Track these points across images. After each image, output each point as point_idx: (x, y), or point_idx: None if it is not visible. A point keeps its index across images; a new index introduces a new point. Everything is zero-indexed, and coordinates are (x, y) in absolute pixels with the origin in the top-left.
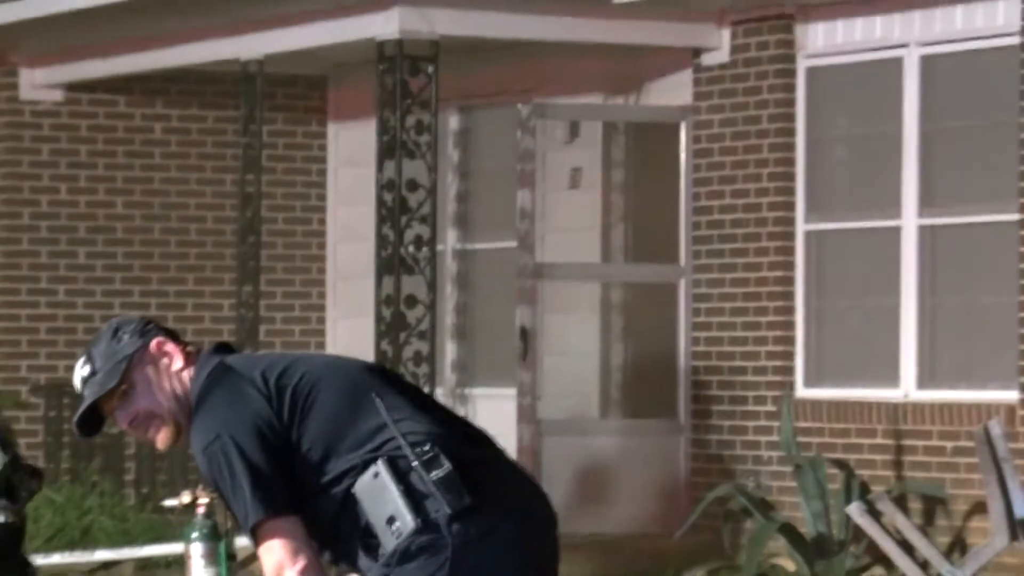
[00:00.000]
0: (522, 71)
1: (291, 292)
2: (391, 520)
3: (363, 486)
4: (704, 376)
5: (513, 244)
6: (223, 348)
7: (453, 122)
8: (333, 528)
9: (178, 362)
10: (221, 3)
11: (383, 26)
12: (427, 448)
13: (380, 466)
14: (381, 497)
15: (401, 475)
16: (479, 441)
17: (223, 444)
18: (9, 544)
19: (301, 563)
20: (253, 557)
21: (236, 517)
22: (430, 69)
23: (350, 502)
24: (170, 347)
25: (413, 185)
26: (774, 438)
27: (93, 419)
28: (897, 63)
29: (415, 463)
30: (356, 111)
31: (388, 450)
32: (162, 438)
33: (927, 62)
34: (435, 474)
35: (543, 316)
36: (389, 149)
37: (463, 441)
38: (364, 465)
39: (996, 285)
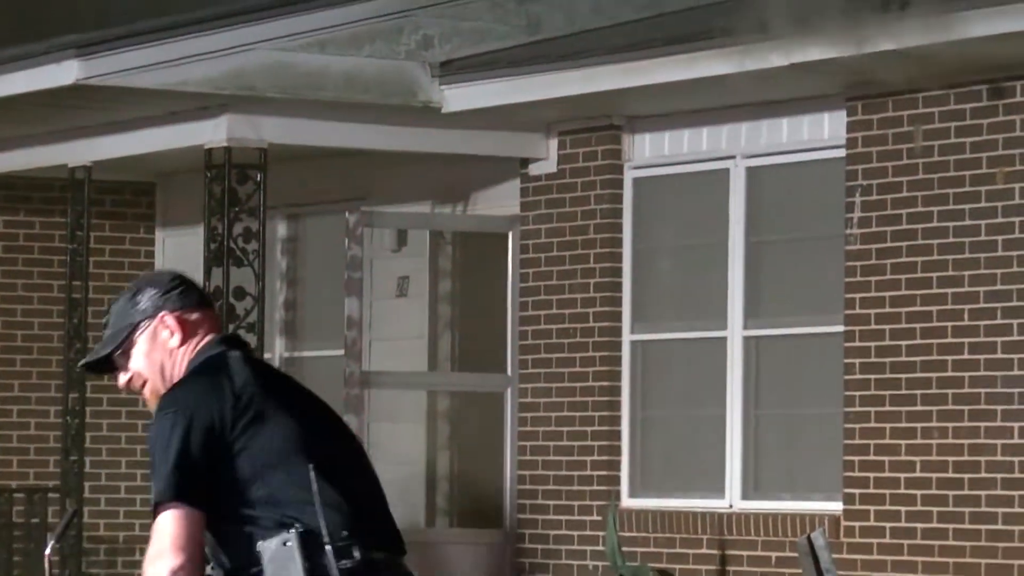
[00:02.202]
0: (350, 179)
1: (117, 399)
2: None
3: (270, 549)
4: (530, 485)
5: (340, 352)
6: (231, 340)
7: (281, 229)
8: (223, 553)
9: (175, 340)
10: (48, 109)
11: (212, 133)
12: (343, 536)
13: (293, 537)
14: (284, 566)
15: (309, 553)
16: (391, 544)
17: (175, 419)
18: None
19: (180, 559)
20: None
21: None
22: (258, 177)
23: (249, 543)
24: (173, 323)
25: (240, 293)
26: (600, 547)
27: (104, 364)
28: (724, 174)
29: (328, 547)
30: (184, 218)
31: (306, 523)
32: (150, 402)
33: (753, 174)
34: (343, 563)
35: (370, 425)
36: (216, 256)
37: (378, 539)
38: (277, 526)
39: (820, 396)
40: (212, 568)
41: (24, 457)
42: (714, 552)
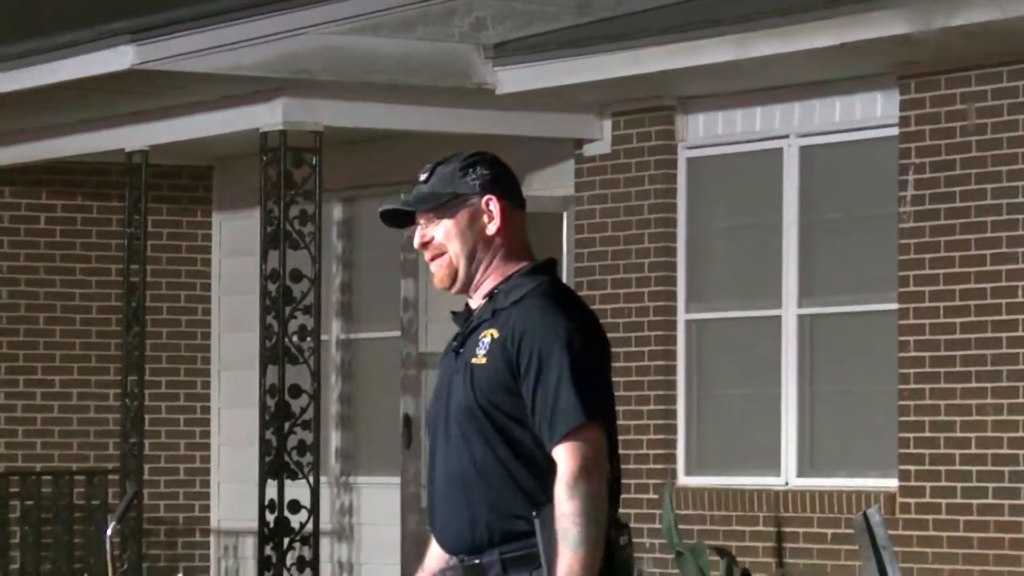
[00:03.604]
0: (405, 161)
1: (175, 382)
2: None
3: None
4: None
5: (396, 333)
6: (548, 264)
7: (337, 212)
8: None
9: (493, 227)
10: (104, 95)
11: (267, 117)
12: None
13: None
14: None
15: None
16: None
17: (586, 338)
18: None
19: (603, 476)
20: None
21: (537, 405)
22: (313, 160)
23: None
24: (498, 210)
25: (297, 275)
26: (656, 525)
27: (401, 216)
28: (777, 154)
29: None
30: (240, 201)
31: None
32: (437, 275)
33: (806, 153)
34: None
35: (426, 405)
36: (273, 239)
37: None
38: None
39: (875, 374)
40: None
41: (84, 440)
42: (770, 529)
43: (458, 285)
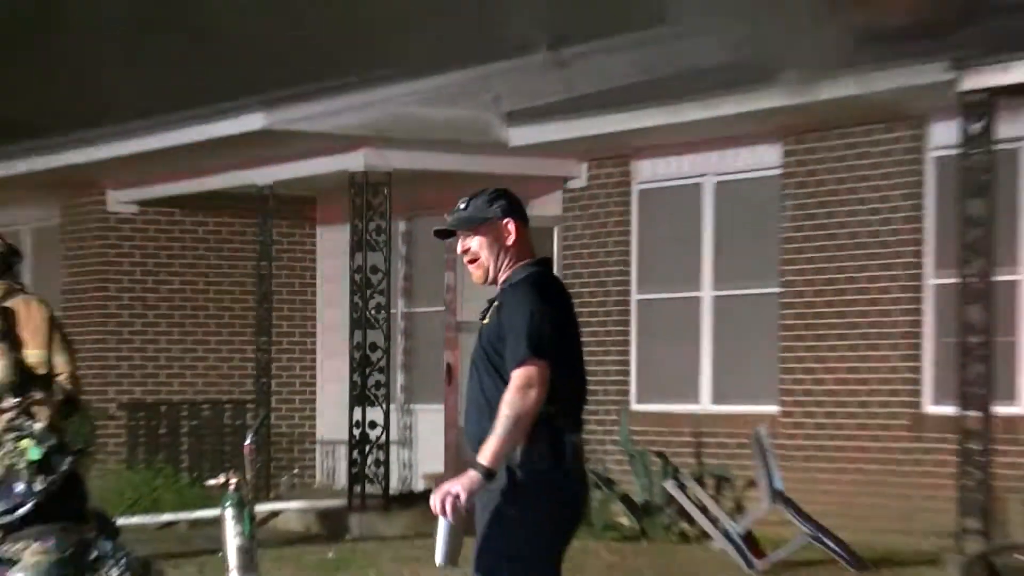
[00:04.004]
0: (446, 192)
1: (292, 341)
2: None
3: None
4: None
5: (441, 308)
6: (544, 261)
7: (401, 226)
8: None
9: (510, 240)
10: (242, 147)
11: (353, 163)
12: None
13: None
14: None
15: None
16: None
17: (544, 309)
18: (53, 503)
19: (538, 386)
20: (268, 519)
21: (508, 350)
22: (385, 191)
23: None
24: (513, 228)
25: (374, 269)
26: (615, 437)
27: (445, 232)
28: (698, 187)
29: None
30: (336, 219)
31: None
32: (475, 275)
33: (719, 187)
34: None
35: (462, 356)
36: (358, 245)
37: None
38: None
39: (763, 335)
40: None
41: (231, 381)
42: (693, 440)
43: (489, 280)
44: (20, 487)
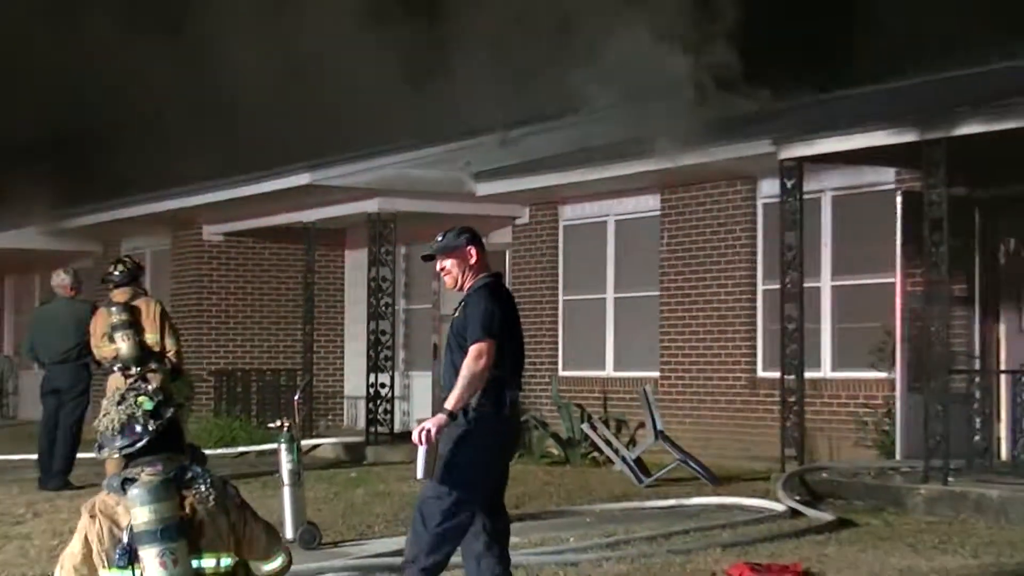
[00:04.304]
0: (434, 227)
1: (327, 328)
2: None
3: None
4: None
5: (430, 306)
6: (495, 275)
7: (403, 250)
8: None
9: (472, 260)
10: (293, 197)
11: (370, 207)
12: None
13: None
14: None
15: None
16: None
17: (494, 307)
18: (161, 440)
19: (488, 358)
20: (309, 450)
21: (468, 334)
22: (392, 226)
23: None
24: (474, 253)
25: (384, 279)
26: (548, 394)
27: (430, 256)
28: (604, 224)
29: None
30: (358, 245)
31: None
32: (448, 284)
33: (618, 224)
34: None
35: (443, 339)
36: (373, 263)
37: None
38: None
39: (648, 324)
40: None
41: (285, 355)
42: (600, 395)
43: (457, 287)
44: (138, 428)
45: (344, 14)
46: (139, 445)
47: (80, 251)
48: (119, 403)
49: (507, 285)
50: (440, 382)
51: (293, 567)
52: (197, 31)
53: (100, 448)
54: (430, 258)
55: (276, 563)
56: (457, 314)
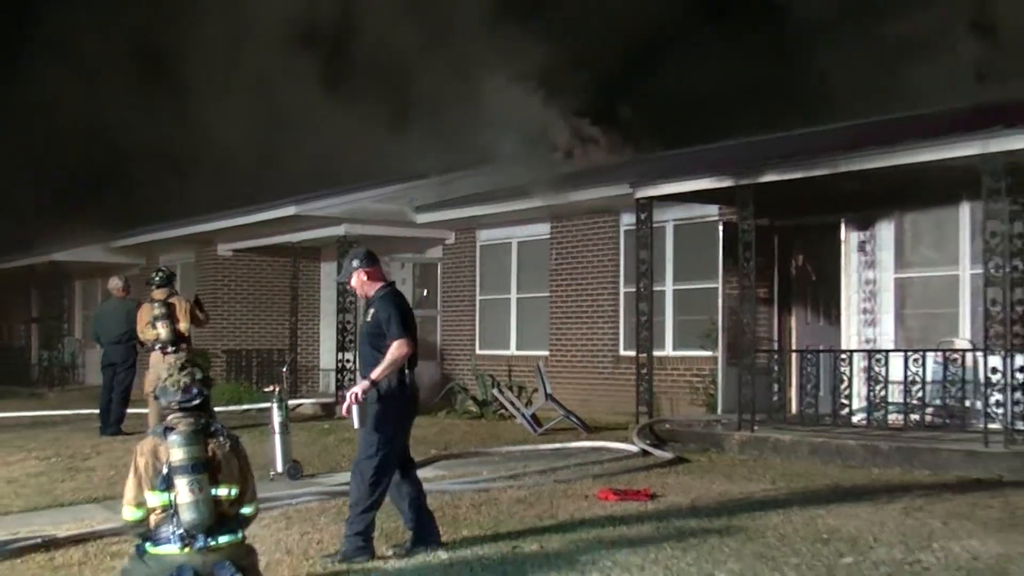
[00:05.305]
0: (387, 246)
1: (306, 320)
2: None
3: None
4: (446, 344)
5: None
6: (391, 283)
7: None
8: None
9: (363, 278)
10: (283, 224)
11: (338, 231)
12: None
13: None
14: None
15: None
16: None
17: (398, 309)
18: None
19: (406, 349)
20: (294, 408)
21: (387, 331)
22: (356, 245)
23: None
24: (363, 273)
25: (345, 288)
26: (468, 367)
27: (343, 281)
28: (510, 244)
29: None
30: (330, 259)
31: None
32: (359, 294)
33: (520, 245)
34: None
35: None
36: (339, 270)
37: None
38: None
39: (539, 318)
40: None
41: (277, 338)
42: (507, 368)
43: (363, 296)
44: (194, 390)
45: (315, 85)
46: (194, 402)
47: (128, 263)
48: (181, 369)
49: (439, 289)
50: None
51: (283, 491)
52: (204, 94)
53: (157, 399)
54: (343, 282)
55: (252, 508)
56: (369, 318)
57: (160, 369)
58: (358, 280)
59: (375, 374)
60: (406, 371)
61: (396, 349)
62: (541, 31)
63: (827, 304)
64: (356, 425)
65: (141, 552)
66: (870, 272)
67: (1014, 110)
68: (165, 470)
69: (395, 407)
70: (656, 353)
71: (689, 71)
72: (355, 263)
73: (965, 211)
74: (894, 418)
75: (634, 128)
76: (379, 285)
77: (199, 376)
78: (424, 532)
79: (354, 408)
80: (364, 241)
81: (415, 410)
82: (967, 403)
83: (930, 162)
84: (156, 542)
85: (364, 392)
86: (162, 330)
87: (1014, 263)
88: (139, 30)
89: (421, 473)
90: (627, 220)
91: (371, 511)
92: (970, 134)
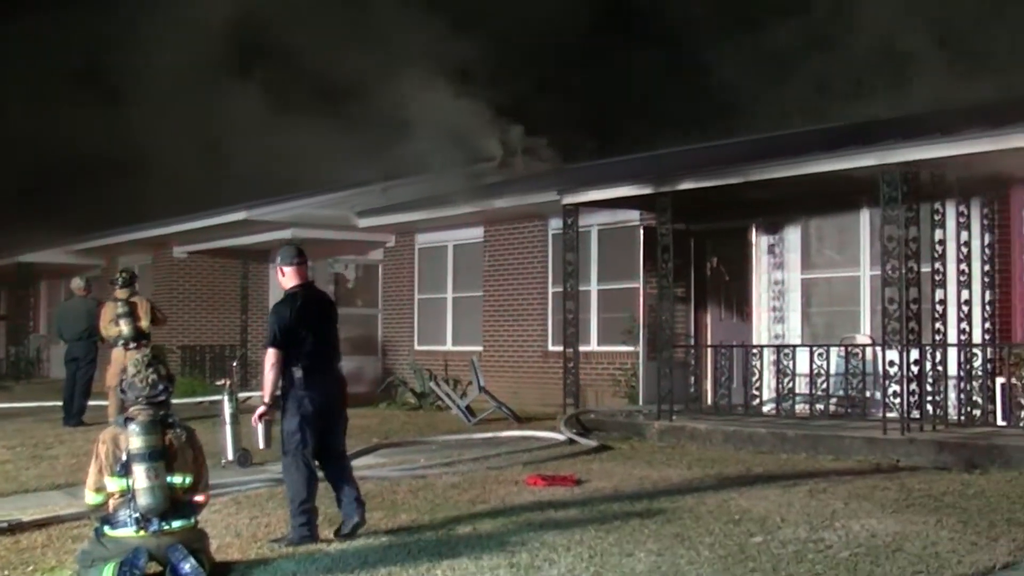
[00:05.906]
0: (331, 249)
1: (256, 317)
2: None
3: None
4: (387, 340)
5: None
6: (304, 286)
7: (310, 265)
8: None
9: (280, 276)
10: (231, 230)
11: (286, 234)
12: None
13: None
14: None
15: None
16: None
17: (284, 313)
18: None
19: (273, 360)
20: (244, 400)
21: (264, 341)
22: (302, 248)
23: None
24: (281, 272)
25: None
26: (408, 362)
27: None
28: (446, 248)
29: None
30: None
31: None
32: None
33: (456, 248)
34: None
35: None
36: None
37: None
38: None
39: (474, 315)
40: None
41: (227, 335)
42: (443, 363)
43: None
44: (160, 386)
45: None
46: (160, 398)
47: (90, 264)
48: (148, 366)
49: (380, 289)
50: None
51: (233, 478)
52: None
53: (123, 392)
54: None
55: (203, 496)
56: None
57: (123, 363)
58: (277, 277)
59: (265, 395)
60: (308, 377)
61: (265, 361)
62: (468, 37)
63: (739, 302)
64: (261, 445)
65: (100, 534)
66: (778, 273)
67: (909, 124)
68: (124, 457)
69: (300, 410)
70: (582, 348)
71: (599, 81)
72: (278, 259)
73: (865, 217)
74: (801, 408)
75: (560, 137)
76: (292, 285)
77: (164, 373)
78: (348, 510)
79: (258, 428)
80: (310, 244)
81: (338, 405)
82: (867, 394)
83: (833, 172)
84: (114, 525)
85: (260, 416)
86: (124, 327)
87: (909, 265)
88: (89, 38)
89: (363, 460)
90: (555, 225)
91: (308, 502)
92: (869, 146)
